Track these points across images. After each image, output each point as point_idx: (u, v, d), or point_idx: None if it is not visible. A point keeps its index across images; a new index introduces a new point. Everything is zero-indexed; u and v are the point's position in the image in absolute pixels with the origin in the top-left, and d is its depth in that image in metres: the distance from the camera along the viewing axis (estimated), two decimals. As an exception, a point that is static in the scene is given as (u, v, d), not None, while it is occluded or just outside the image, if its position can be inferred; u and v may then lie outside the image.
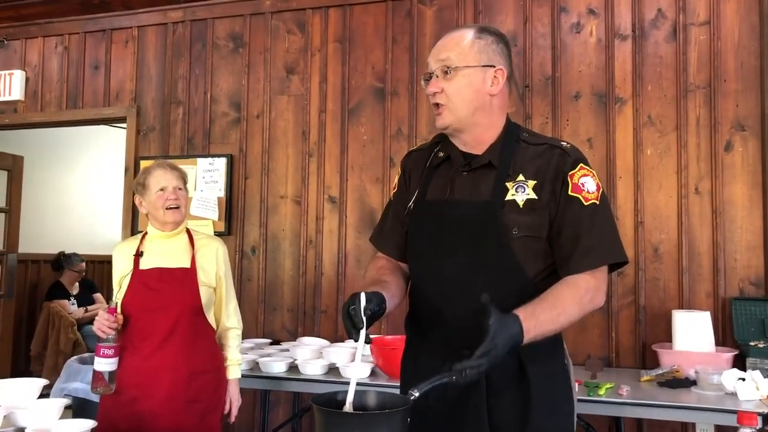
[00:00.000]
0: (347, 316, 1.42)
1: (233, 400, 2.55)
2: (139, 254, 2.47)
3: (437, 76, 1.56)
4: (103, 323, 2.22)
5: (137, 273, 2.43)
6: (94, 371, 2.22)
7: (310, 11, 3.96)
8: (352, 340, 1.47)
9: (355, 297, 1.44)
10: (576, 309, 1.47)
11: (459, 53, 1.55)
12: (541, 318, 1.41)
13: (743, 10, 3.23)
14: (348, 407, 1.32)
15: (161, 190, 2.44)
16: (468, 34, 1.57)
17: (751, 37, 3.21)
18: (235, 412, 2.56)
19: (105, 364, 2.21)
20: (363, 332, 1.40)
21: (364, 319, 1.41)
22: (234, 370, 2.57)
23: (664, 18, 3.35)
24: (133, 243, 2.53)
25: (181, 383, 2.33)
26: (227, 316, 2.56)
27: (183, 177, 2.54)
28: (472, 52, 1.55)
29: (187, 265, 2.45)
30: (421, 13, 3.75)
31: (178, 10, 4.21)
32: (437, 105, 1.58)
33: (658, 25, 3.36)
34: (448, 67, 1.54)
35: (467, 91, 1.55)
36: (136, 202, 2.55)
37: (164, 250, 2.48)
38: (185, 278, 2.42)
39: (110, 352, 2.21)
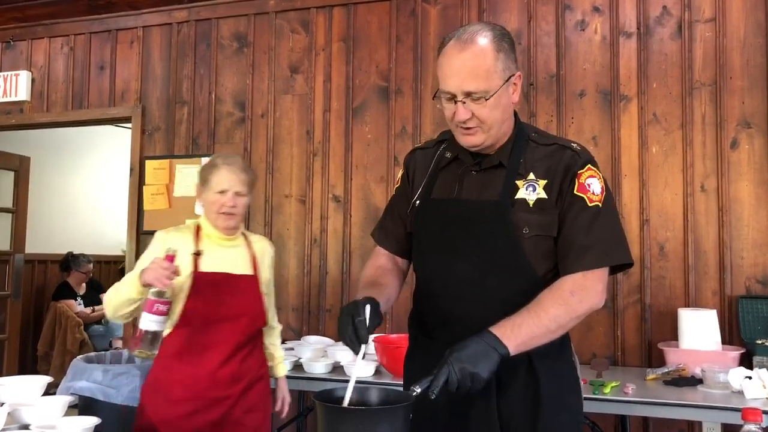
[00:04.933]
0: (351, 326, 1.39)
1: (285, 396, 2.51)
2: (198, 253, 2.24)
3: (464, 102, 1.48)
4: (162, 272, 1.92)
5: (200, 276, 2.19)
6: (139, 330, 1.93)
7: (314, 10, 3.96)
8: (350, 349, 1.42)
9: (359, 306, 1.42)
10: (562, 310, 1.44)
11: (487, 80, 1.46)
12: (520, 324, 1.40)
13: (749, 7, 3.22)
14: (345, 403, 1.31)
15: (221, 192, 2.24)
16: (489, 53, 1.46)
17: (757, 34, 3.19)
18: (286, 408, 2.52)
19: (155, 322, 1.93)
20: (364, 347, 1.39)
21: (370, 336, 1.40)
22: (283, 367, 2.53)
23: (669, 15, 3.34)
24: (185, 236, 2.27)
25: (241, 393, 2.23)
26: (272, 316, 2.47)
27: (249, 182, 2.32)
28: (498, 72, 1.47)
29: (250, 271, 2.31)
30: (426, 11, 3.75)
31: (183, 10, 4.22)
32: (466, 126, 1.52)
33: (663, 23, 3.34)
34: (478, 97, 1.47)
35: (498, 110, 1.50)
36: (196, 191, 2.37)
37: (225, 253, 2.29)
38: (250, 287, 2.28)
39: (164, 308, 1.93)
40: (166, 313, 1.97)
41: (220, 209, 2.24)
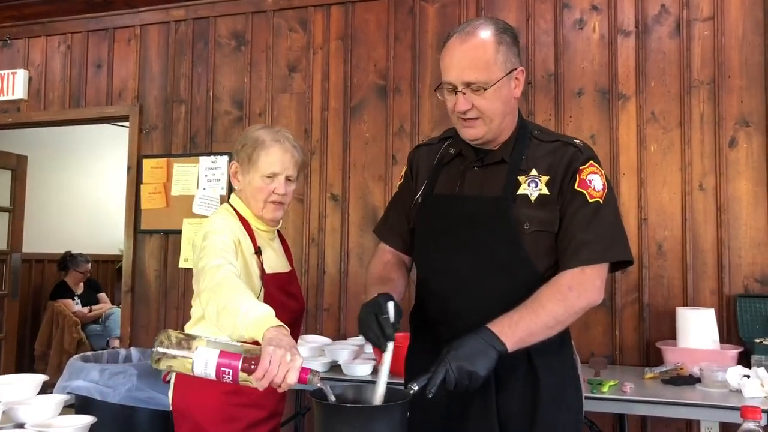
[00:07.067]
0: (375, 323, 1.41)
1: None
2: (258, 252, 1.87)
3: (464, 93, 1.49)
4: (278, 376, 1.23)
5: (269, 280, 1.85)
6: (199, 376, 1.31)
7: (312, 9, 3.95)
8: (372, 345, 1.46)
9: (382, 304, 1.43)
10: (560, 306, 1.44)
11: (486, 70, 1.47)
12: (518, 320, 1.40)
13: (747, 6, 3.21)
14: (376, 401, 1.32)
15: (270, 176, 1.87)
16: (489, 45, 1.49)
17: (755, 33, 3.19)
18: None
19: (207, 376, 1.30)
20: (391, 345, 1.41)
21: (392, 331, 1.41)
22: None
23: (667, 14, 3.33)
24: (242, 230, 1.88)
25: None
26: None
27: (302, 163, 1.95)
28: (498, 64, 1.49)
29: (290, 266, 2.02)
30: (424, 9, 3.74)
31: (181, 8, 4.21)
32: (466, 118, 1.52)
33: (661, 21, 3.34)
34: (478, 88, 1.48)
35: (499, 103, 1.51)
36: (231, 170, 1.97)
37: (273, 247, 1.98)
38: (296, 285, 2.01)
39: (229, 380, 1.28)
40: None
41: (269, 197, 1.88)
